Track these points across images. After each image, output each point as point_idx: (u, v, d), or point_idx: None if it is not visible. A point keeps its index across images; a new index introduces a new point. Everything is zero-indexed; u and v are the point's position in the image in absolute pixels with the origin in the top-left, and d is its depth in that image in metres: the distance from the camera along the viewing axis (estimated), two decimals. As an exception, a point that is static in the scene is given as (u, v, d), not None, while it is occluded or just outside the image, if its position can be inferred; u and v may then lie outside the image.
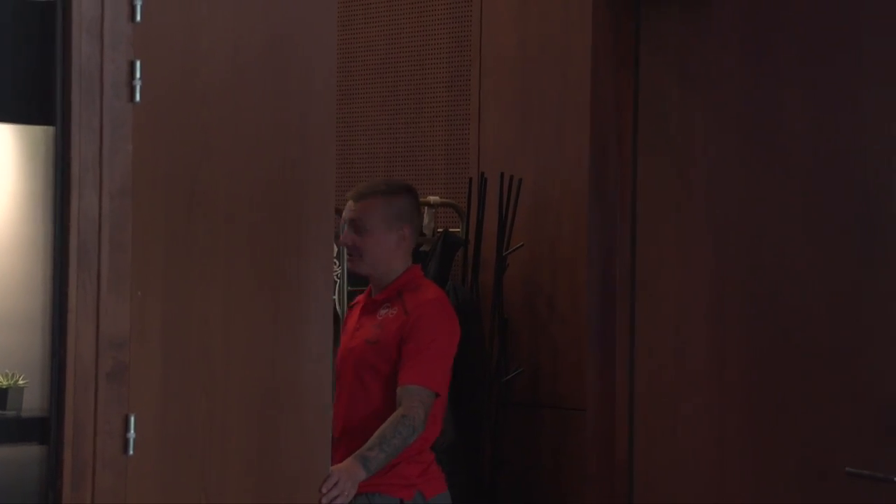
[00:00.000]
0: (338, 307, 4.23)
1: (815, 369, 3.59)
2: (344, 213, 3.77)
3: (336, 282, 4.19)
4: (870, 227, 3.48)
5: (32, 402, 2.96)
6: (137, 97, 2.95)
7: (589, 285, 4.10)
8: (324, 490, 3.36)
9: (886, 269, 3.43)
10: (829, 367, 3.56)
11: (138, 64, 2.94)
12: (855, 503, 3.42)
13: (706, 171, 3.86)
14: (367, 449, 3.50)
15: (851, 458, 3.40)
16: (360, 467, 3.46)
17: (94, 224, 2.93)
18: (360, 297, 3.87)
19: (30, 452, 2.95)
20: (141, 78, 2.94)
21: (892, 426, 3.38)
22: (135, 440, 2.98)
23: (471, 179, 4.48)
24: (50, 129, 2.93)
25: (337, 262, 4.12)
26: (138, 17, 2.95)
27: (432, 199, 4.56)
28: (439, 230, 4.53)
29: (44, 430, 2.92)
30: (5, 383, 2.95)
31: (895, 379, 3.37)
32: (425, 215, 4.52)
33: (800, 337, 3.63)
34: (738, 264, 3.79)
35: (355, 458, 3.48)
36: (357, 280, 4.18)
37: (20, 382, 2.95)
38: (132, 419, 2.97)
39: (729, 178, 3.79)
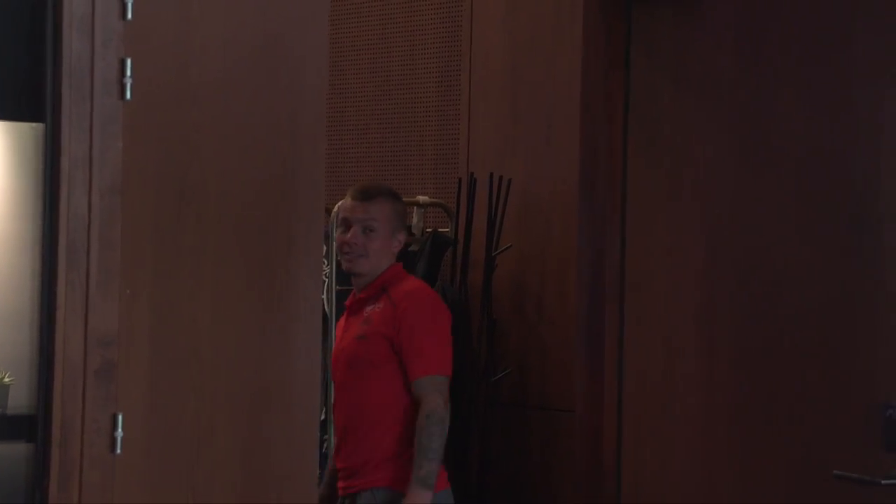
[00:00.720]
0: (326, 306, 4.25)
1: (804, 371, 3.60)
2: (344, 212, 3.79)
3: (325, 280, 4.20)
4: (861, 228, 3.50)
5: (20, 400, 2.96)
6: (128, 95, 2.94)
7: (578, 286, 4.10)
8: None
9: (876, 270, 3.43)
10: (818, 368, 3.58)
11: (129, 62, 2.93)
12: (842, 506, 3.45)
13: (698, 172, 3.86)
14: (416, 469, 3.60)
15: (839, 460, 3.40)
16: (422, 489, 3.58)
17: (84, 222, 2.93)
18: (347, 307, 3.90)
19: (17, 450, 2.94)
20: (132, 76, 2.93)
21: (880, 428, 3.39)
22: (122, 439, 2.97)
23: (460, 179, 4.47)
24: (40, 126, 2.93)
25: (326, 261, 4.13)
26: (129, 15, 2.94)
27: (421, 198, 4.55)
28: (428, 230, 4.53)
29: (31, 427, 2.91)
30: (-8, 380, 2.95)
31: (883, 381, 3.38)
32: (414, 215, 4.52)
33: (789, 339, 3.64)
34: (728, 266, 3.79)
35: (414, 486, 3.59)
36: (345, 279, 4.19)
37: (6, 380, 2.94)
38: (120, 418, 2.96)
39: (721, 178, 3.80)
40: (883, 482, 3.23)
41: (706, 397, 3.81)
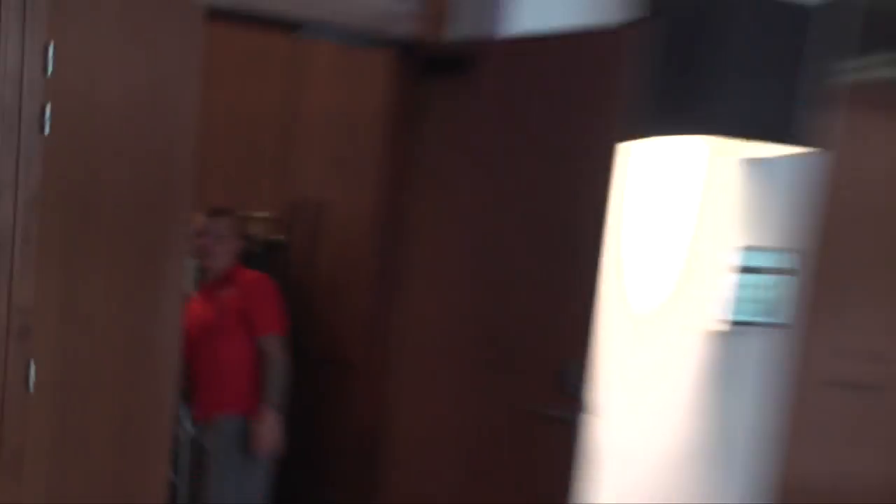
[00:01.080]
0: (188, 288, 4.48)
1: (513, 333, 3.89)
2: (200, 225, 4.39)
3: (189, 270, 4.31)
4: (563, 243, 3.76)
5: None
6: (47, 131, 3.19)
7: (374, 275, 4.44)
8: (259, 447, 4.27)
9: (569, 270, 3.74)
10: (520, 330, 3.87)
11: (48, 106, 3.19)
12: (537, 435, 3.80)
13: (463, 206, 4.09)
14: (266, 399, 4.30)
15: (535, 400, 3.79)
16: (271, 409, 4.30)
17: (10, 223, 3.19)
18: (200, 290, 4.49)
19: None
20: (50, 117, 3.19)
21: (558, 376, 3.72)
22: (34, 382, 3.25)
23: (292, 202, 5.01)
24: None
25: (190, 257, 4.19)
26: (49, 72, 3.20)
27: (262, 214, 5.07)
28: (267, 237, 5.05)
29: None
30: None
31: (560, 344, 3.72)
32: (256, 226, 5.01)
33: (508, 312, 3.91)
34: (477, 263, 4.03)
35: (266, 409, 4.29)
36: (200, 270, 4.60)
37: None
38: (33, 366, 3.25)
39: (477, 209, 4.05)
40: (549, 413, 3.69)
41: (450, 352, 4.08)
